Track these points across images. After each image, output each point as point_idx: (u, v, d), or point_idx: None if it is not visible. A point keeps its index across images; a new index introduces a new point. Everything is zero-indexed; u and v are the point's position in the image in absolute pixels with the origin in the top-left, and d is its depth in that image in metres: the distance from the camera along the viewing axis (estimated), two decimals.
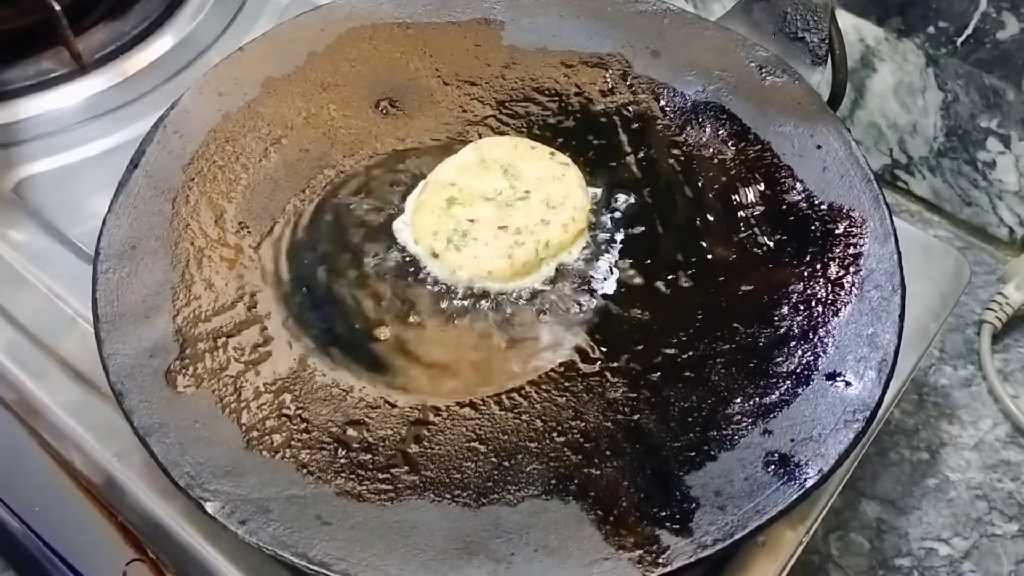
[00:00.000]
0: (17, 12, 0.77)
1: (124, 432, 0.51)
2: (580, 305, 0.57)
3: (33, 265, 0.64)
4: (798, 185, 0.60)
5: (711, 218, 0.60)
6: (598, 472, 0.50)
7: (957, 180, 0.81)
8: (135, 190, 0.59)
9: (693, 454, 0.50)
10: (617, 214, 0.60)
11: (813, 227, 0.58)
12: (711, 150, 0.63)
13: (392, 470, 0.50)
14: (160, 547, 0.55)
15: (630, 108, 0.65)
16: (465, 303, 0.57)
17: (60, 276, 0.64)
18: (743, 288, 0.56)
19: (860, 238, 0.57)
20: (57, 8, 0.75)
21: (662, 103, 0.65)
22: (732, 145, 0.63)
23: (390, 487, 0.49)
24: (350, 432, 0.51)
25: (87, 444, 0.56)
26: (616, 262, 0.58)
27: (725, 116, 0.64)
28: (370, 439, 0.51)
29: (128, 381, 0.51)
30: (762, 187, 0.60)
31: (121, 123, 0.74)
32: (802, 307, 0.55)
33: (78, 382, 0.58)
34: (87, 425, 0.57)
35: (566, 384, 0.53)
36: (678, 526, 0.47)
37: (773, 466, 0.49)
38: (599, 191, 0.61)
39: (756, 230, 0.59)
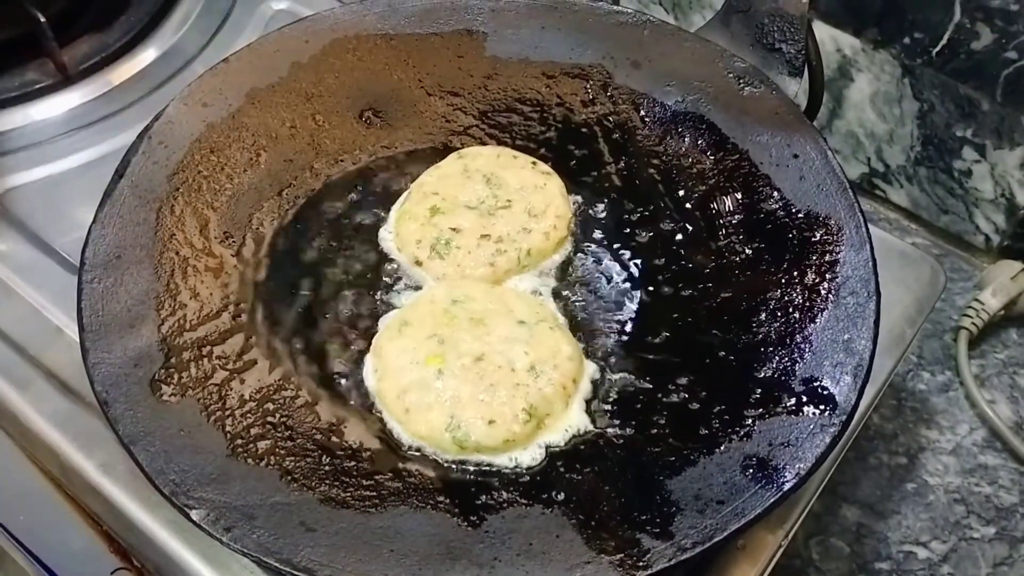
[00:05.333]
0: (2, 24, 0.77)
1: (109, 441, 0.51)
2: (561, 312, 0.57)
3: (18, 276, 0.65)
4: (775, 194, 0.61)
5: (690, 227, 0.61)
6: (580, 477, 0.50)
7: (934, 188, 0.82)
8: (120, 200, 0.59)
9: (673, 459, 0.51)
10: (598, 223, 0.61)
11: (790, 235, 0.59)
12: (690, 159, 0.64)
13: (376, 477, 0.50)
14: (145, 556, 0.56)
15: (611, 118, 0.66)
16: None
17: (45, 286, 0.64)
18: (722, 295, 0.57)
19: (836, 245, 0.57)
20: (42, 20, 0.75)
21: (642, 113, 0.66)
22: (711, 155, 0.63)
23: (374, 494, 0.49)
24: (334, 439, 0.51)
25: (72, 453, 0.56)
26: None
27: (704, 126, 0.65)
28: (354, 446, 0.51)
29: (113, 390, 0.51)
30: (740, 196, 0.61)
31: (106, 134, 0.74)
32: (779, 313, 0.56)
33: (63, 392, 0.59)
34: (72, 435, 0.57)
35: None
36: (658, 530, 0.48)
37: (751, 470, 0.49)
38: (580, 200, 0.62)
39: (734, 238, 0.60)
